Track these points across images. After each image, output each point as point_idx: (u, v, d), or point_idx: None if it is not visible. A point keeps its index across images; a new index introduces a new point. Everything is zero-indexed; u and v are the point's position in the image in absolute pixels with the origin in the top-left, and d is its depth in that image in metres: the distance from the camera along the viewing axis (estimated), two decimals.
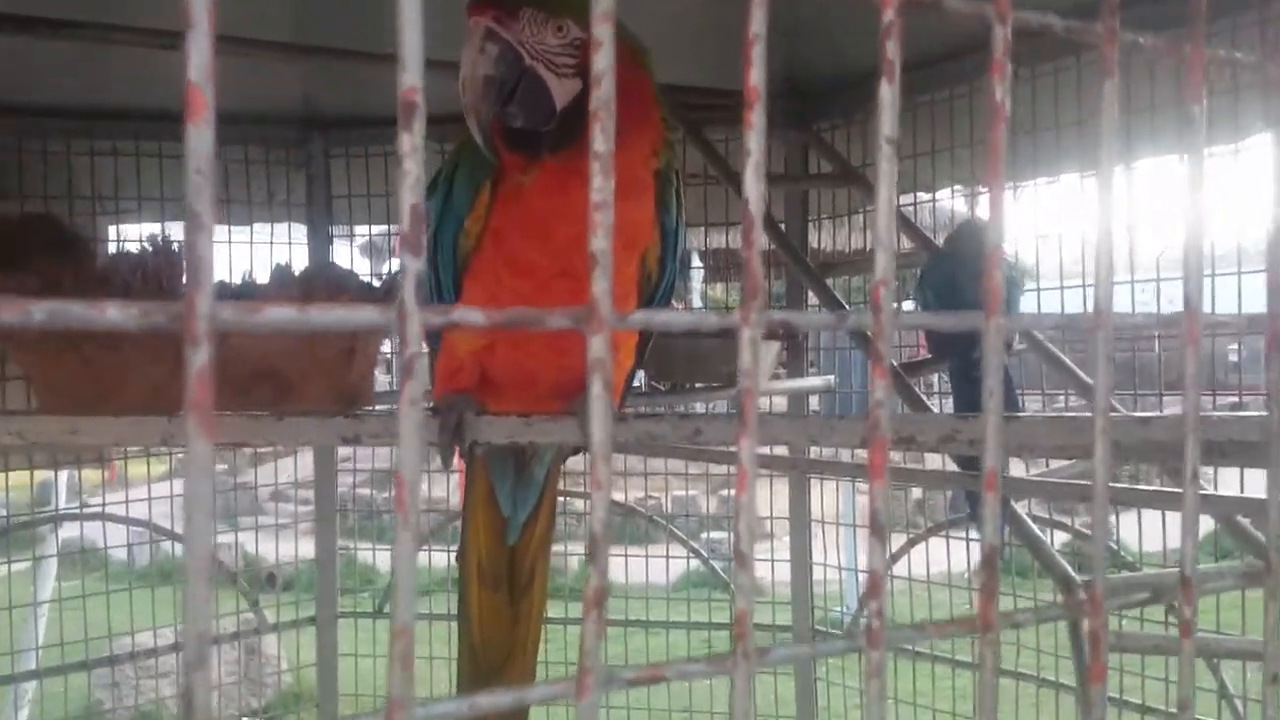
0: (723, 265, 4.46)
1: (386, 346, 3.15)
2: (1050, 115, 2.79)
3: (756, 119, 0.43)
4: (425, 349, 0.43)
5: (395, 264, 5.36)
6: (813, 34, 2.86)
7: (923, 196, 3.33)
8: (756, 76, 0.42)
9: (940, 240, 3.13)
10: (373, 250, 5.20)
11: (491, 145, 1.44)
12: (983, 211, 3.29)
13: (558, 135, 1.45)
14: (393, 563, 0.37)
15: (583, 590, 0.39)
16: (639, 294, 1.60)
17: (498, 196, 1.50)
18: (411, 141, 0.36)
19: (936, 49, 2.92)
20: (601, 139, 0.39)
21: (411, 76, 0.35)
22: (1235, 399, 3.57)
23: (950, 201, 3.57)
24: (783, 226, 3.27)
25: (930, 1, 0.47)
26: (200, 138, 0.32)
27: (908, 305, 4.13)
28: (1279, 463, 0.57)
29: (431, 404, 1.42)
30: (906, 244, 3.08)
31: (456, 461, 1.41)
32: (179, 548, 4.02)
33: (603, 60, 0.39)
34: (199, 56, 0.32)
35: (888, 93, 0.45)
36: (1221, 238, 2.65)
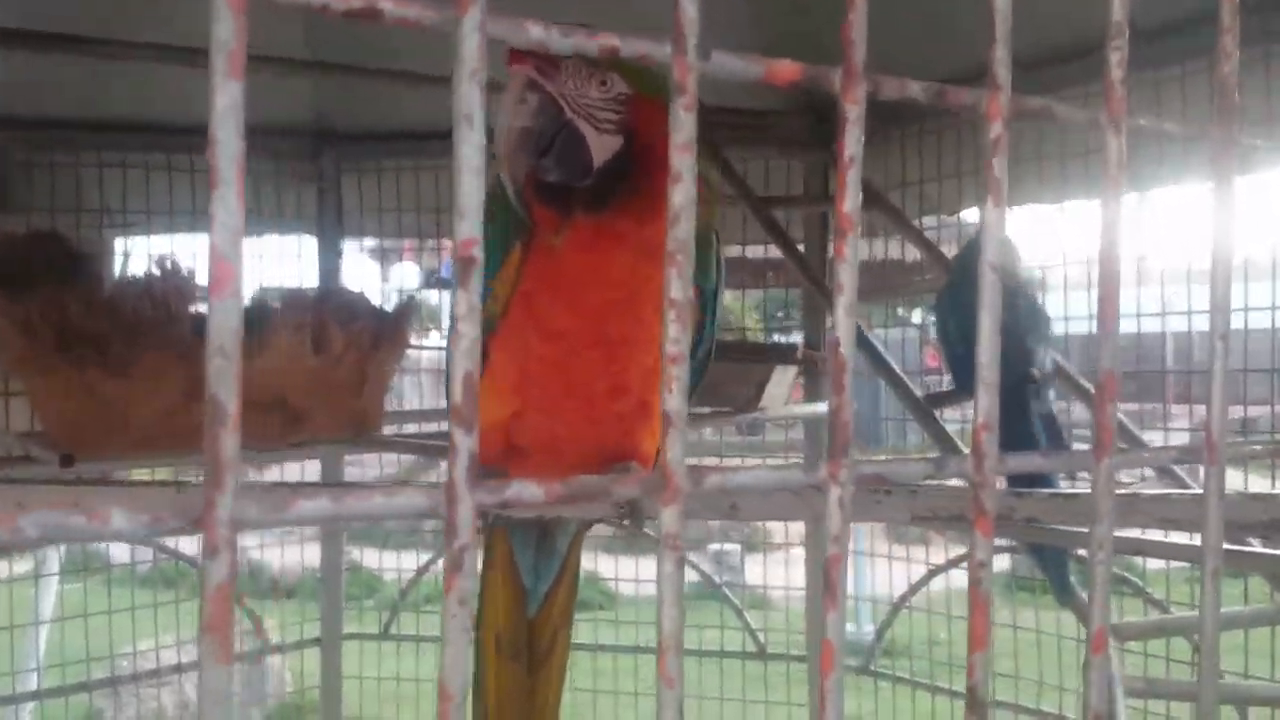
0: (732, 274, 4.40)
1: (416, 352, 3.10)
2: (1055, 145, 2.76)
3: (849, 251, 0.38)
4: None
5: (403, 269, 5.32)
6: (832, 54, 2.81)
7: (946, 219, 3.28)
8: (850, 204, 0.37)
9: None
10: (382, 254, 5.16)
11: (523, 199, 1.38)
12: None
13: (593, 193, 1.39)
14: None
15: None
16: None
17: (529, 257, 1.43)
18: (468, 301, 0.31)
19: (956, 74, 2.87)
20: (678, 285, 0.34)
21: (469, 227, 0.30)
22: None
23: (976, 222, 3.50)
24: (801, 248, 3.21)
25: (1040, 110, 0.42)
26: (226, 313, 0.27)
27: (912, 322, 4.09)
28: None
29: None
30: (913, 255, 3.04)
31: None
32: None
33: (680, 195, 0.34)
34: (227, 219, 0.27)
35: (993, 215, 0.40)
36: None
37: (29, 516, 0.27)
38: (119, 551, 3.93)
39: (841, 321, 0.38)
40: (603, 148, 1.37)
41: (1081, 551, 2.72)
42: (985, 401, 0.41)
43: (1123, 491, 1.05)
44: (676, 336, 0.34)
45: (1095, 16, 0.44)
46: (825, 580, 0.39)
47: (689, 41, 0.33)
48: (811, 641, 3.35)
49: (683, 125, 0.33)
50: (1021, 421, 2.32)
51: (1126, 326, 2.87)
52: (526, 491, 0.33)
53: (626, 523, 1.28)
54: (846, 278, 0.38)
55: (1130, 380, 3.24)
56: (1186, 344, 3.37)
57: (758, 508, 1.06)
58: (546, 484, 0.34)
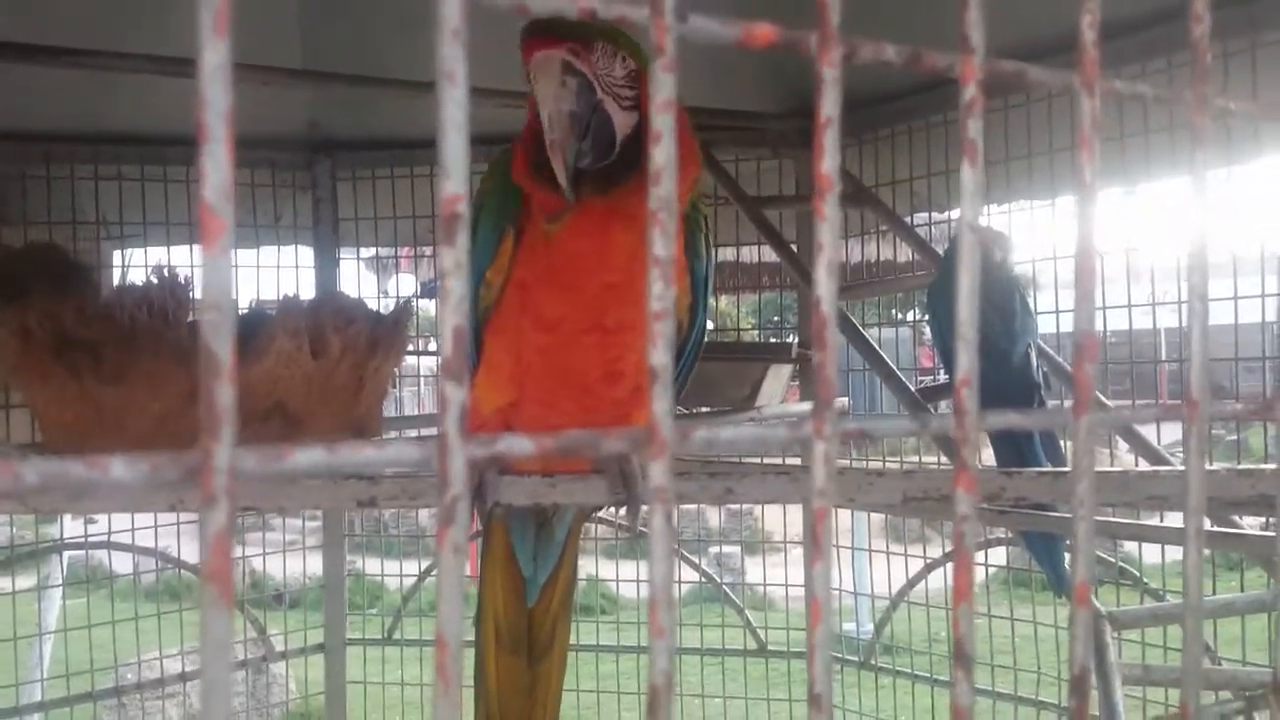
0: (726, 277, 4.42)
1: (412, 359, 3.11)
2: (1044, 142, 2.78)
3: (830, 210, 0.39)
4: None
5: (401, 281, 5.36)
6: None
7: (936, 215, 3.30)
8: (829, 164, 0.38)
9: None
10: (379, 265, 5.17)
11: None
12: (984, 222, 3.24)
13: (601, 174, 1.38)
14: None
15: None
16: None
17: (522, 245, 1.43)
18: (455, 257, 0.31)
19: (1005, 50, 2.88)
20: (661, 243, 0.35)
21: (454, 184, 0.31)
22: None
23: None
24: (794, 246, 3.23)
25: (1013, 73, 0.42)
26: (216, 269, 0.28)
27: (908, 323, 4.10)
28: None
29: None
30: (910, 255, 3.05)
31: (473, 523, 1.35)
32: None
33: (662, 154, 0.35)
34: (216, 175, 0.28)
35: (969, 176, 0.41)
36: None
37: (29, 464, 0.27)
38: (121, 564, 3.94)
39: (822, 280, 0.39)
40: (624, 125, 1.36)
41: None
42: (965, 359, 0.41)
43: (1114, 469, 1.05)
44: (661, 293, 0.35)
45: None
46: (811, 534, 0.39)
47: (666, 4, 0.34)
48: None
49: (662, 85, 0.34)
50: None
51: (1118, 322, 2.89)
52: (518, 445, 0.34)
53: (623, 513, 1.27)
54: (827, 237, 0.38)
55: (1124, 376, 3.24)
56: (1179, 339, 3.37)
57: (753, 491, 1.07)
58: (537, 438, 0.34)
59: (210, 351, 0.28)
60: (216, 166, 0.28)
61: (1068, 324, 3.01)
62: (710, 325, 4.03)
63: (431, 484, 1.11)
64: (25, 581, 4.09)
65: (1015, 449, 2.30)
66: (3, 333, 2.00)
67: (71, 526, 4.74)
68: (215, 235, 0.28)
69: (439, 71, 0.31)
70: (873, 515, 4.60)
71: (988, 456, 2.90)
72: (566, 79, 1.34)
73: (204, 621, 0.29)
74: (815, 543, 0.39)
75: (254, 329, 2.23)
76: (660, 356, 0.35)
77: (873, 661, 3.41)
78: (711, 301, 1.84)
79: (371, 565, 5.02)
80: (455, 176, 0.31)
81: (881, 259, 3.50)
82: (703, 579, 3.81)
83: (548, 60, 1.32)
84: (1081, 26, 0.43)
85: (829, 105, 0.38)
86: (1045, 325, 2.89)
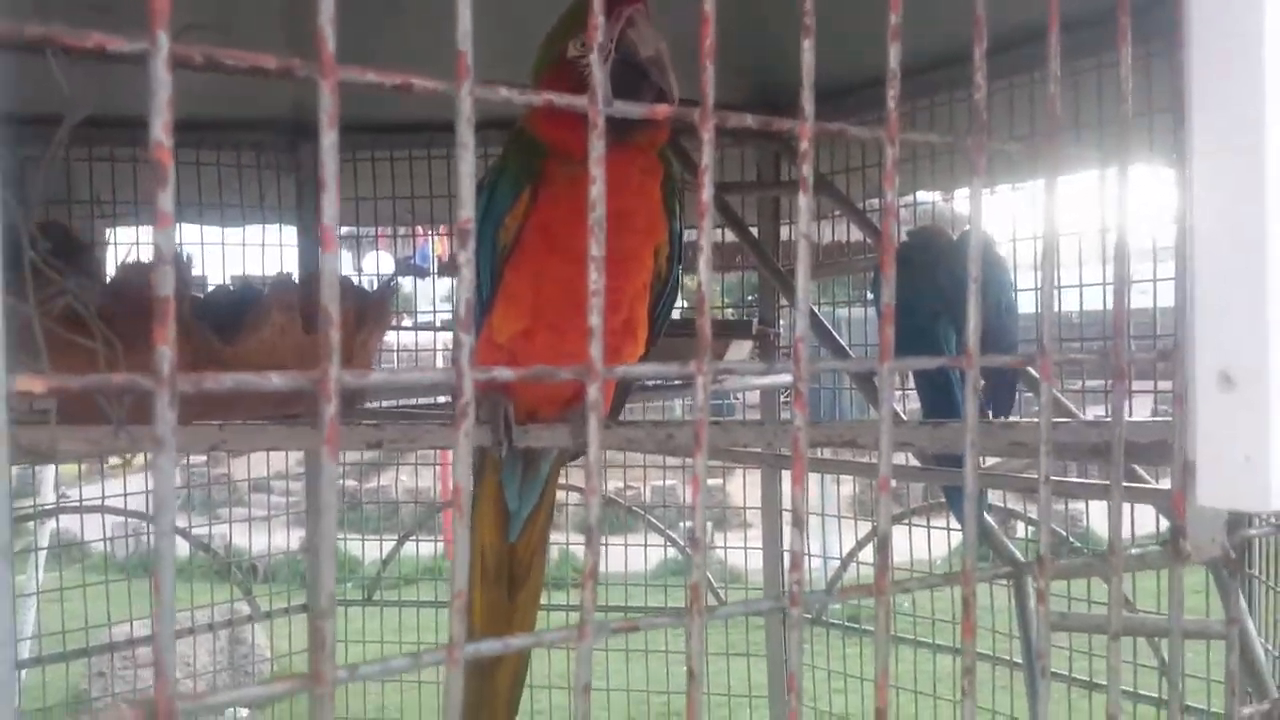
0: (692, 259, 4.61)
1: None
2: (1026, 127, 2.99)
3: (708, 225, 0.59)
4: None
5: (378, 258, 5.51)
6: (782, 45, 3.02)
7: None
8: (707, 195, 0.59)
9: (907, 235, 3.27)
10: (357, 243, 5.33)
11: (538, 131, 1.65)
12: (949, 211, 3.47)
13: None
14: (456, 547, 0.53)
15: (584, 567, 0.55)
16: (650, 292, 1.76)
17: (542, 196, 1.67)
18: (466, 256, 0.52)
19: (908, 62, 3.08)
20: (596, 245, 0.55)
21: (465, 210, 0.51)
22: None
23: (931, 201, 3.71)
24: (755, 231, 3.44)
25: (837, 131, 0.63)
26: (331, 262, 0.48)
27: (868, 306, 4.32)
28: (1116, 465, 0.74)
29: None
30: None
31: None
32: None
33: (595, 191, 0.55)
34: (329, 207, 0.48)
35: (805, 203, 0.61)
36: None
37: (224, 376, 0.47)
38: (92, 530, 4.09)
39: (703, 272, 0.59)
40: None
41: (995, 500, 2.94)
42: (801, 324, 0.62)
43: (983, 421, 1.25)
44: (596, 278, 0.56)
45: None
46: (695, 436, 0.60)
47: (599, 95, 0.54)
48: (768, 594, 3.58)
49: (596, 148, 0.54)
50: (939, 374, 2.53)
51: (1093, 302, 3.11)
52: (503, 373, 0.54)
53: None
54: (706, 242, 0.59)
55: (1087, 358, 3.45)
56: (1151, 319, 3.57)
57: (690, 438, 1.26)
58: (516, 370, 0.55)
59: (326, 310, 0.48)
60: (330, 202, 0.48)
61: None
62: (683, 303, 4.23)
63: (428, 429, 1.31)
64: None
65: (948, 401, 2.52)
66: (17, 307, 2.17)
67: (52, 498, 4.91)
68: (331, 244, 0.48)
69: (459, 141, 0.51)
70: (841, 491, 4.85)
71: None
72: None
73: (323, 472, 0.49)
74: (697, 444, 0.59)
75: (248, 303, 2.41)
76: (595, 319, 0.56)
77: (824, 618, 3.64)
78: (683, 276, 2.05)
79: (349, 543, 5.20)
80: (467, 205, 0.51)
81: (851, 240, 3.70)
82: (666, 543, 4.03)
83: (638, 13, 1.59)
84: (887, 98, 0.63)
85: (706, 156, 0.58)
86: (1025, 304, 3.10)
